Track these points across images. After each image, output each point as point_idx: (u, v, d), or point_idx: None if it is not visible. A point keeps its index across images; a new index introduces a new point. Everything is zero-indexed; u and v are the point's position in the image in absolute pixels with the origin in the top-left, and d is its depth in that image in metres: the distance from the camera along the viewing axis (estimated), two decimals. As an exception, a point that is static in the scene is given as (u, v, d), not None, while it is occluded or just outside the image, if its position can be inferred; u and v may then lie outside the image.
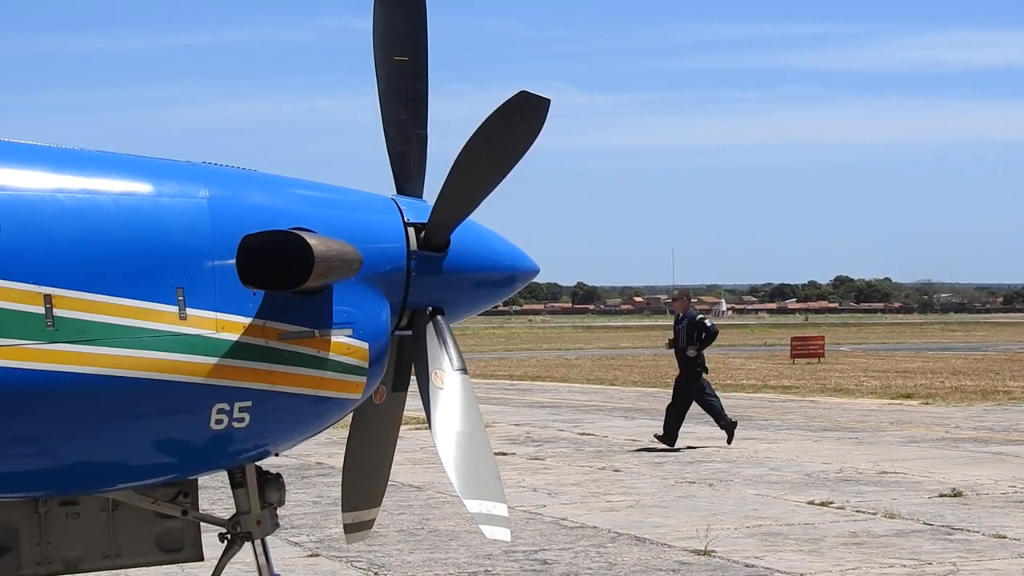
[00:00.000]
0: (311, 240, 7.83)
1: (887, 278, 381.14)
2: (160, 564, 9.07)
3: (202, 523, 8.89)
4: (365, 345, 8.35)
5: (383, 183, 9.10)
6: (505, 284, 9.56)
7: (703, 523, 18.22)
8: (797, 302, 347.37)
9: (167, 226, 7.83)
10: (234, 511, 8.96)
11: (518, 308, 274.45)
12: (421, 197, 9.09)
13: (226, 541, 9.07)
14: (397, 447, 9.61)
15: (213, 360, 7.75)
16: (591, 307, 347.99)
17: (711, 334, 29.35)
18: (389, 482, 9.81)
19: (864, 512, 19.45)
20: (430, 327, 8.74)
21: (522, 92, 8.22)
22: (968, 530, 17.72)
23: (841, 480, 23.20)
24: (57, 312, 7.36)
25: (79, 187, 7.71)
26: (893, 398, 44.40)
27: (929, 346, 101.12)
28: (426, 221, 8.77)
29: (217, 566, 9.12)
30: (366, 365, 8.38)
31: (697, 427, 30.87)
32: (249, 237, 7.88)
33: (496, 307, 10.36)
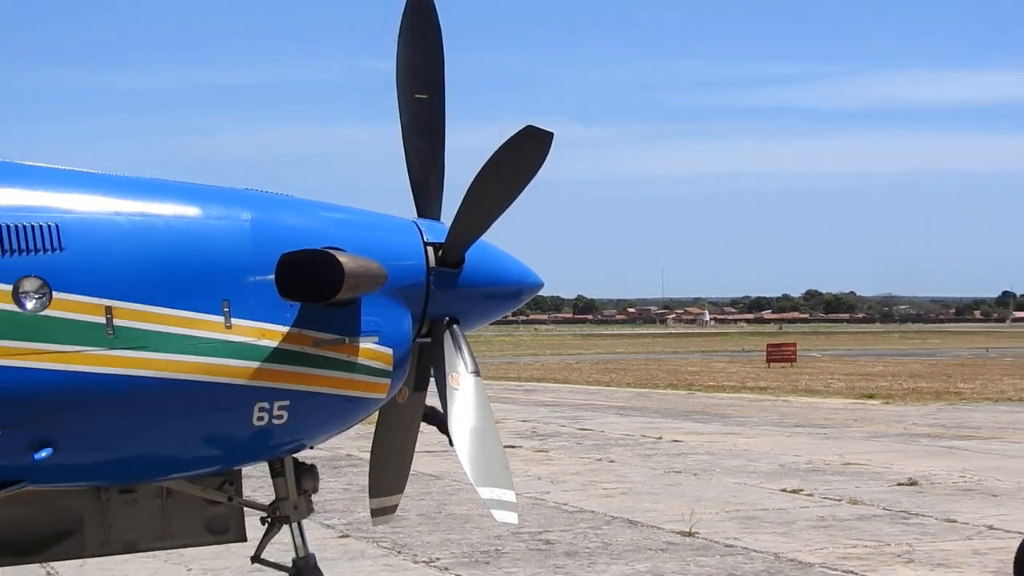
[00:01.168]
0: (341, 258, 7.84)
1: (852, 292, 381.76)
2: (208, 545, 9.06)
3: (245, 508, 8.88)
4: (389, 351, 8.34)
5: (405, 207, 9.11)
6: (513, 297, 9.55)
7: (688, 508, 18.20)
8: (772, 313, 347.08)
9: (214, 245, 7.82)
10: (274, 498, 8.96)
11: (524, 318, 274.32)
12: (439, 219, 9.08)
13: (267, 524, 9.07)
14: (417, 441, 9.61)
15: (255, 364, 7.74)
16: (590, 317, 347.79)
17: None
18: (410, 472, 9.80)
19: (831, 499, 19.42)
20: (447, 335, 8.73)
21: (529, 126, 8.22)
22: (923, 515, 17.70)
23: (811, 470, 23.18)
24: (116, 322, 7.36)
25: (135, 211, 7.71)
26: (857, 398, 44.38)
27: (889, 352, 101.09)
28: (443, 241, 8.76)
29: (259, 546, 9.11)
30: (390, 368, 8.37)
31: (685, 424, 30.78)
32: (287, 255, 7.89)
33: (505, 317, 10.34)
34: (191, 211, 7.88)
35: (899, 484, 21.01)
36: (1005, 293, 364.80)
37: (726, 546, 15.35)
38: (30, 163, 7.79)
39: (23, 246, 7.23)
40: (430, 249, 8.72)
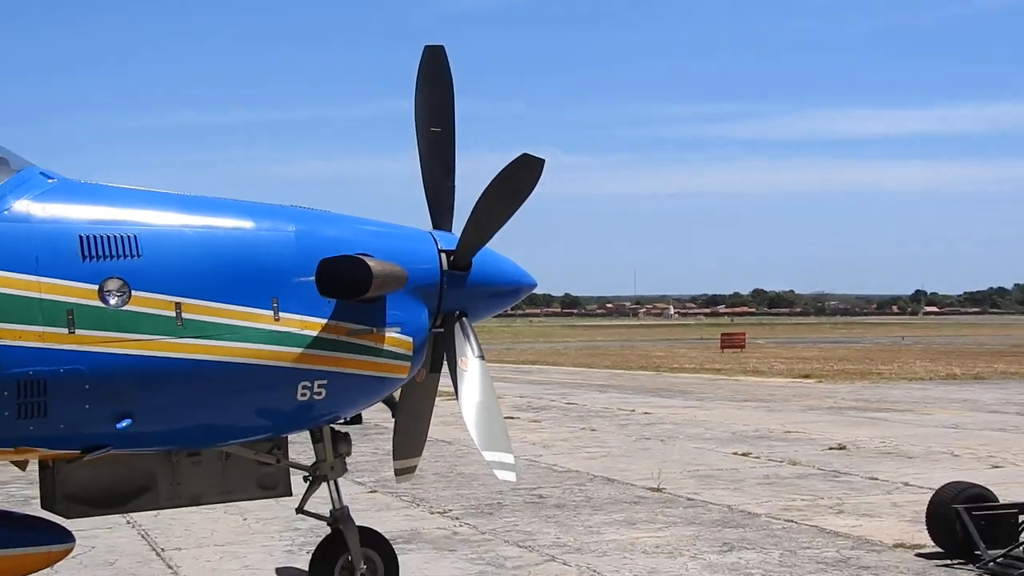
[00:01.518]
0: (370, 262, 7.85)
1: (791, 290, 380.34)
2: (260, 499, 9.05)
3: (291, 468, 8.89)
4: (410, 339, 8.34)
5: (422, 220, 9.11)
6: (512, 294, 9.54)
7: (656, 468, 18.19)
8: (725, 308, 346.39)
9: (265, 252, 7.83)
10: (314, 460, 8.97)
11: (521, 312, 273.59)
12: (450, 230, 9.09)
13: (308, 482, 9.10)
14: (433, 413, 9.61)
15: (299, 350, 7.74)
16: (575, 311, 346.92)
17: None
18: (427, 438, 9.80)
19: (774, 460, 19.40)
20: (457, 326, 8.73)
21: (524, 154, 8.23)
22: (850, 474, 17.68)
23: (757, 437, 23.15)
24: (184, 315, 7.36)
25: (200, 223, 7.71)
26: (795, 378, 44.33)
27: (822, 340, 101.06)
28: (454, 248, 8.77)
29: (302, 500, 9.13)
30: (410, 353, 8.37)
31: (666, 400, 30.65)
32: (325, 260, 7.89)
33: (505, 311, 10.34)
34: (246, 224, 7.89)
35: (830, 448, 20.99)
36: (918, 291, 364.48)
37: (688, 499, 15.34)
38: (113, 184, 7.80)
39: (107, 253, 7.24)
40: (443, 255, 8.72)
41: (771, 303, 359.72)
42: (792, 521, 13.72)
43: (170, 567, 11.49)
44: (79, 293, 7.11)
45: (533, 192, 8.44)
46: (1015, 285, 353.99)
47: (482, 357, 8.65)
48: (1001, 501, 11.82)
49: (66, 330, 7.02)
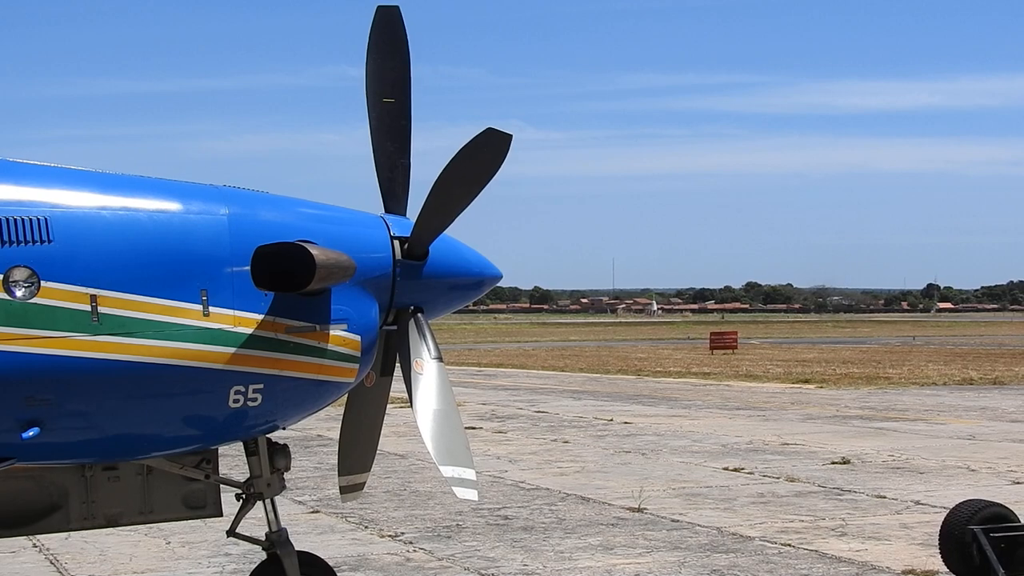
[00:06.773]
0: (313, 250, 7.84)
1: (789, 284, 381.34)
2: (186, 519, 9.03)
3: (221, 485, 8.87)
4: (357, 338, 8.34)
5: (373, 203, 9.11)
6: (474, 287, 9.55)
7: (637, 486, 18.25)
8: (715, 303, 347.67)
9: (193, 238, 7.81)
10: (248, 475, 8.96)
11: (485, 307, 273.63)
12: (405, 215, 9.09)
13: (241, 500, 9.07)
14: (384, 422, 9.60)
15: (231, 350, 7.73)
16: (545, 307, 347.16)
17: None
18: (377, 451, 9.80)
19: (769, 476, 19.51)
20: (412, 323, 8.73)
21: (489, 128, 8.25)
22: (855, 491, 17.80)
23: (751, 450, 23.27)
24: (101, 309, 7.33)
25: (120, 205, 7.69)
26: (794, 383, 44.57)
27: (823, 340, 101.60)
28: (409, 235, 8.77)
29: (234, 521, 9.11)
30: (358, 354, 8.37)
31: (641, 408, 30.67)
32: (262, 247, 7.88)
33: (467, 306, 10.35)
34: (173, 206, 7.87)
35: (833, 463, 21.13)
36: (930, 285, 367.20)
37: (672, 521, 15.41)
38: (21, 160, 7.75)
39: (13, 238, 7.20)
40: (396, 243, 8.73)
41: (766, 298, 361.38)
42: (789, 545, 13.80)
43: (83, 597, 11.46)
44: (-21, 284, 7.07)
45: (498, 172, 8.45)
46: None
47: (440, 358, 8.65)
48: (1023, 521, 11.93)
49: (-36, 326, 6.98)
